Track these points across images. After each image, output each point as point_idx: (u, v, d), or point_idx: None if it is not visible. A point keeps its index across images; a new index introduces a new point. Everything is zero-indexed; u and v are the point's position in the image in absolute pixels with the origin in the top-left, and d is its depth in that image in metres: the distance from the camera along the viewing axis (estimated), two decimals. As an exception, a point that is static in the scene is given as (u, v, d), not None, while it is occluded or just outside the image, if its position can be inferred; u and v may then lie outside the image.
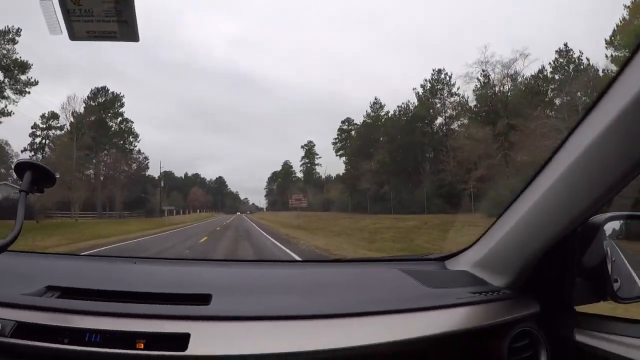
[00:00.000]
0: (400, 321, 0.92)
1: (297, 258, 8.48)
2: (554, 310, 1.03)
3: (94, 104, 30.75)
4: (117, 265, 1.26)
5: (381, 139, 33.74)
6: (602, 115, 0.74)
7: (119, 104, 31.49)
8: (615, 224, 1.03)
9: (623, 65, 0.71)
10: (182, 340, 0.79)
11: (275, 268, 1.35)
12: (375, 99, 35.83)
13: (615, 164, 0.75)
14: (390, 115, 34.48)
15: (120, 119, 31.47)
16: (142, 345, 0.78)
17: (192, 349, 0.78)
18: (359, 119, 38.27)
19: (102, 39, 0.93)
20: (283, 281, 1.13)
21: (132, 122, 31.99)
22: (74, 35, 0.93)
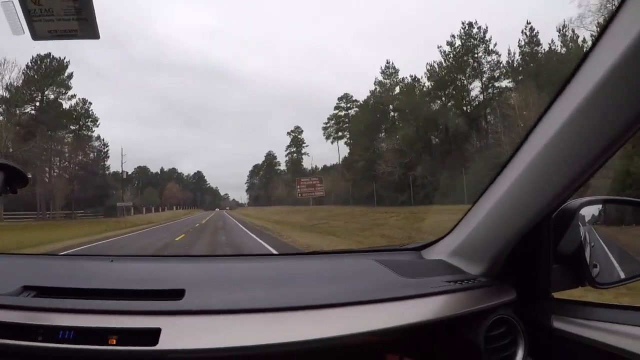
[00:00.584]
0: (376, 311, 0.92)
1: (274, 252, 7.83)
2: (531, 297, 1.02)
3: (34, 75, 23.57)
4: (93, 264, 1.28)
5: (393, 114, 26.75)
6: (570, 100, 0.72)
7: (65, 74, 24.34)
8: (594, 209, 1.01)
9: (589, 49, 0.69)
10: (153, 335, 0.80)
11: (250, 262, 1.36)
12: (388, 63, 28.52)
13: (585, 147, 0.73)
14: (408, 82, 26.87)
15: (70, 93, 24.49)
16: (114, 341, 0.80)
17: (162, 344, 0.79)
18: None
19: (63, 38, 0.93)
20: (257, 274, 1.13)
21: (90, 103, 25.49)
22: (36, 35, 0.93)
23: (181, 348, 0.80)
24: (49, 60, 24.06)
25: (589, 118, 0.70)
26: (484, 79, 24.61)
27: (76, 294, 0.92)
